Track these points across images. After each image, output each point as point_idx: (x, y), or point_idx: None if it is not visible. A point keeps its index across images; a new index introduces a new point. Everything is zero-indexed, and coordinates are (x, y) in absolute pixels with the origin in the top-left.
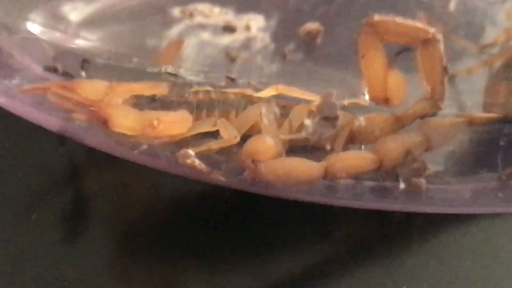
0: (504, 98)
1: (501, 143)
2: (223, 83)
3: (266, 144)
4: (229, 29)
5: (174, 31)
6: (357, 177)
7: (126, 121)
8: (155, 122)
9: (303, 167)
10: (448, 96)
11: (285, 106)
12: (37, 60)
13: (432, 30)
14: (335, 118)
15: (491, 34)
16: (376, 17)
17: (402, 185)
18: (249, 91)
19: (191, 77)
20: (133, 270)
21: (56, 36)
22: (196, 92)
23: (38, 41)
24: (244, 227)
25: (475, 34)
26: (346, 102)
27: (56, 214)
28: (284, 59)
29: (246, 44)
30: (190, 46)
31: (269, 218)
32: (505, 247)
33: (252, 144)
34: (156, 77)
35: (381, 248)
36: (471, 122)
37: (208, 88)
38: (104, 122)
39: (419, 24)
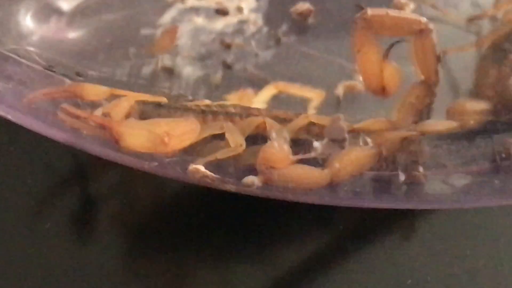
0: (493, 80)
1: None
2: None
3: (282, 154)
4: (221, 11)
5: (167, 18)
6: None
7: (138, 140)
8: (166, 139)
9: (311, 176)
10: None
11: (285, 118)
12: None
13: (424, 20)
14: (343, 140)
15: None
16: (370, 12)
17: (401, 177)
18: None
19: (188, 67)
20: (144, 269)
21: (50, 27)
22: (197, 106)
23: (29, 52)
24: (250, 222)
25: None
26: (341, 86)
27: (68, 220)
28: (278, 43)
29: (240, 29)
30: (184, 35)
31: (274, 212)
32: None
33: (269, 152)
34: (150, 84)
35: (385, 240)
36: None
37: (207, 102)
38: (115, 142)
39: (411, 16)
